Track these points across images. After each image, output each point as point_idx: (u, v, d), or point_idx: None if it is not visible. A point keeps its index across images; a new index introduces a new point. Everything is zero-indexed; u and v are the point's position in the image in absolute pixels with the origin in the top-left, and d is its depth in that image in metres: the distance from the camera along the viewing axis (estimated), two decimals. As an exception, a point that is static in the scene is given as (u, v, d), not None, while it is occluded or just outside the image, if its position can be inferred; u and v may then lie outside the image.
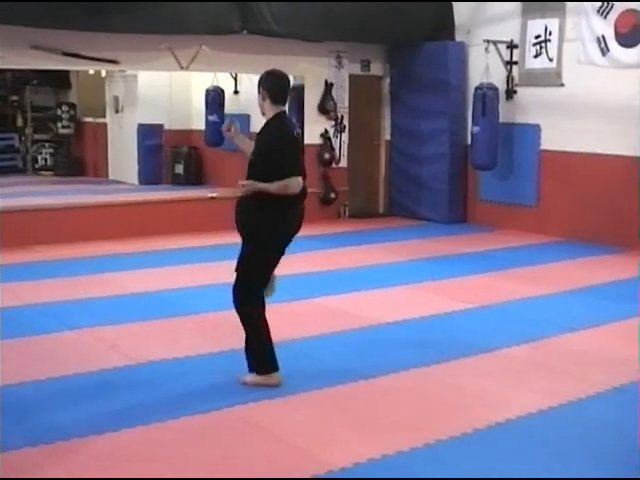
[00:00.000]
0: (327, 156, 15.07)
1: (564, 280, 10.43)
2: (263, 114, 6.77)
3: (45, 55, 12.18)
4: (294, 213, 6.61)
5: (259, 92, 6.65)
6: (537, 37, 13.55)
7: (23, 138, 21.34)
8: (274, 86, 6.65)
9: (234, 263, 6.58)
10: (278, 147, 6.51)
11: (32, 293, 9.50)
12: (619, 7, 12.29)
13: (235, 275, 6.62)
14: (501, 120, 13.80)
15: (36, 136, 21.46)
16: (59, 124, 21.34)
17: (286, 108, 6.85)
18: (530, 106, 13.79)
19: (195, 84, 18.23)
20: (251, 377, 6.64)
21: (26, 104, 21.46)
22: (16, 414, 5.93)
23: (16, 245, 11.72)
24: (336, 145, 15.25)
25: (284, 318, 8.56)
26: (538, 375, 6.93)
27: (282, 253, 6.66)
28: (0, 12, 11.08)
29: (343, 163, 15.41)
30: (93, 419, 5.88)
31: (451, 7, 14.94)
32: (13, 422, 5.76)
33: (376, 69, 15.91)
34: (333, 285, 10.03)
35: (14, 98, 21.37)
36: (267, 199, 6.40)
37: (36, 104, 21.55)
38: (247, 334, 6.66)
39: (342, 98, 15.27)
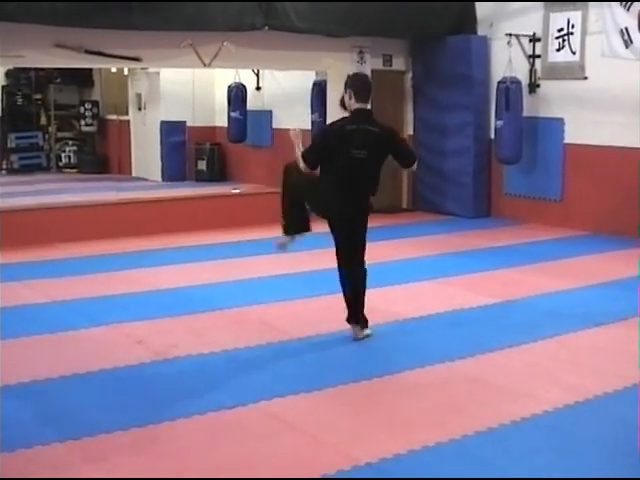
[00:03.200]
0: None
1: (590, 274, 10.38)
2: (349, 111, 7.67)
3: (68, 53, 12.21)
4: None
5: (345, 92, 7.66)
6: (560, 30, 13.46)
7: (47, 136, 21.44)
8: (357, 84, 7.70)
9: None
10: (316, 135, 7.69)
11: (59, 290, 9.54)
12: (643, -2, 12.20)
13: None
14: (525, 114, 13.73)
15: (60, 134, 21.59)
16: (82, 122, 21.47)
17: (368, 106, 7.75)
18: (554, 100, 13.72)
19: (218, 80, 18.27)
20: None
21: (50, 102, 21.59)
22: (44, 410, 5.97)
23: (41, 243, 11.79)
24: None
25: (312, 313, 8.60)
26: (565, 370, 6.89)
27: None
28: (23, 11, 11.14)
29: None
30: (120, 415, 5.89)
31: (473, 1, 14.88)
32: (42, 418, 5.81)
33: (398, 64, 15.86)
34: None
35: (38, 96, 21.50)
36: None
37: (60, 102, 21.68)
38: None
39: (365, 93, 15.21)
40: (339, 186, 7.52)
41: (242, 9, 12.82)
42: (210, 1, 12.48)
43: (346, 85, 7.66)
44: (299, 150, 7.54)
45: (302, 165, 7.49)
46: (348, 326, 7.95)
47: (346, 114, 7.70)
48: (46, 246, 11.78)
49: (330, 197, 7.58)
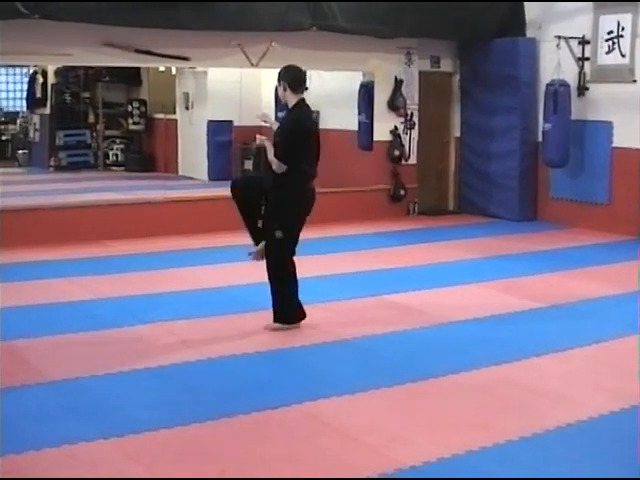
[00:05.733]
0: (397, 153, 15.02)
1: (635, 279, 10.28)
2: (285, 104, 7.94)
3: (117, 52, 12.31)
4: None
5: (279, 84, 7.85)
6: (609, 33, 13.36)
7: (94, 134, 21.59)
8: (293, 77, 7.82)
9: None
10: (288, 135, 7.74)
11: (105, 287, 9.60)
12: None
13: None
14: (573, 117, 13.64)
15: (107, 132, 21.72)
16: (130, 120, 21.57)
17: (304, 96, 7.91)
18: (602, 103, 13.62)
19: (265, 80, 18.30)
20: None
21: (98, 101, 21.73)
22: (88, 407, 6.02)
23: (88, 240, 11.89)
24: (405, 142, 15.20)
25: (354, 315, 8.60)
26: (609, 376, 6.85)
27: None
28: (73, 10, 11.25)
29: (412, 160, 15.34)
30: (163, 413, 5.93)
31: (522, 2, 14.80)
32: (86, 415, 5.85)
33: (446, 65, 15.82)
34: (402, 282, 10.00)
35: (86, 95, 21.64)
36: None
37: (107, 100, 21.82)
38: None
39: (412, 95, 15.19)
40: (306, 180, 7.86)
41: (289, 9, 12.86)
42: (259, 0, 12.52)
43: (280, 77, 7.87)
44: (271, 151, 7.70)
45: (277, 166, 7.63)
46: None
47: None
48: (93, 243, 11.87)
49: (300, 193, 7.80)
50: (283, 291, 7.89)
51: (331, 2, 13.11)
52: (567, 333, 8.03)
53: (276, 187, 7.75)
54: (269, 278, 7.90)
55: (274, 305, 7.92)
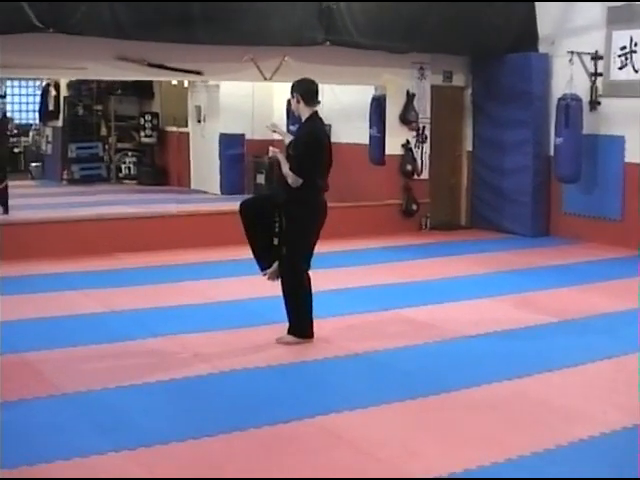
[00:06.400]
0: (409, 167, 15.02)
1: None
2: (298, 117, 8.02)
3: (130, 66, 12.37)
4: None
5: (292, 97, 7.88)
6: (622, 48, 13.36)
7: (107, 147, 21.64)
8: (307, 89, 7.85)
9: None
10: (304, 149, 7.70)
11: (118, 300, 9.63)
12: None
13: None
14: (585, 131, 13.64)
15: (119, 145, 21.77)
16: (142, 133, 21.61)
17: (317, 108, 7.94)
18: (614, 117, 13.61)
19: (277, 94, 18.33)
20: None
21: (110, 113, 21.80)
22: (101, 419, 6.02)
23: (101, 252, 11.92)
24: (417, 156, 15.19)
25: (367, 329, 8.60)
26: (622, 392, 6.81)
27: None
28: (87, 24, 11.29)
29: (425, 174, 15.34)
30: (175, 426, 5.94)
31: (534, 18, 14.82)
32: (98, 427, 5.86)
33: (458, 80, 15.84)
34: (416, 297, 10.00)
35: (98, 107, 21.70)
36: None
37: (120, 113, 21.89)
38: None
39: (424, 109, 15.22)
40: (320, 193, 7.88)
41: (302, 24, 12.89)
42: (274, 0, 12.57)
43: (293, 89, 7.90)
44: (286, 165, 7.67)
45: (292, 180, 7.61)
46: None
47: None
48: (106, 256, 11.89)
49: (315, 206, 7.81)
50: (298, 305, 7.87)
51: (345, 14, 13.13)
52: (580, 348, 8.01)
53: (290, 201, 7.73)
54: (284, 292, 7.89)
55: (290, 319, 7.92)
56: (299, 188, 7.63)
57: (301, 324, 7.92)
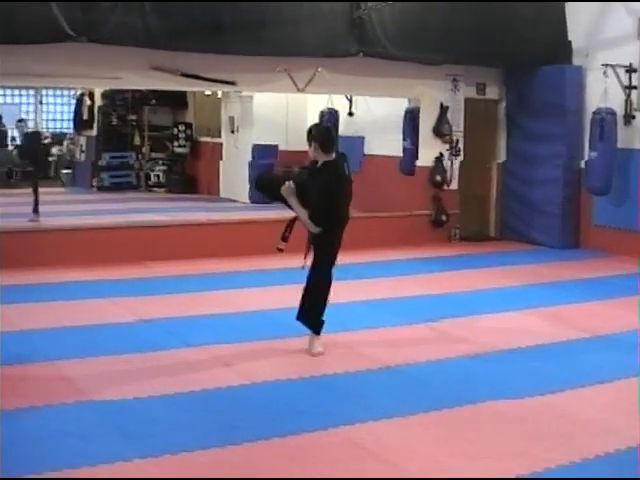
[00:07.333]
0: (439, 178, 15.01)
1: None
2: (316, 161, 7.91)
3: (164, 76, 12.43)
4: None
5: (309, 144, 7.86)
6: (657, 61, 13.32)
7: (140, 156, 21.76)
8: (325, 138, 7.88)
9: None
10: (324, 198, 7.71)
11: (146, 308, 9.66)
12: None
13: None
14: (619, 145, 13.58)
15: (153, 154, 21.88)
16: (175, 143, 21.73)
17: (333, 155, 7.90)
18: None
19: (310, 105, 18.36)
20: None
21: (144, 123, 21.93)
22: (129, 427, 6.05)
23: (130, 261, 11.97)
24: (447, 167, 15.17)
25: (396, 341, 8.58)
26: (651, 406, 6.79)
27: None
28: (122, 34, 11.37)
29: (454, 185, 15.32)
30: (201, 435, 5.95)
31: (565, 28, 14.76)
32: (125, 434, 5.89)
33: (492, 92, 15.81)
34: (445, 309, 9.97)
35: (132, 117, 21.84)
36: None
37: (153, 123, 22.02)
38: None
39: (457, 121, 15.21)
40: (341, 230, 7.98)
41: (335, 35, 12.92)
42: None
43: (311, 137, 7.89)
44: (303, 212, 7.85)
45: (312, 228, 7.81)
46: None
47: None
48: (135, 264, 11.94)
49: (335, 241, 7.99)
50: (320, 300, 7.95)
51: (377, 26, 13.15)
52: (610, 364, 7.96)
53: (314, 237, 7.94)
54: (306, 289, 8.01)
55: (307, 316, 8.04)
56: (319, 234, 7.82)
57: (318, 318, 8.00)
